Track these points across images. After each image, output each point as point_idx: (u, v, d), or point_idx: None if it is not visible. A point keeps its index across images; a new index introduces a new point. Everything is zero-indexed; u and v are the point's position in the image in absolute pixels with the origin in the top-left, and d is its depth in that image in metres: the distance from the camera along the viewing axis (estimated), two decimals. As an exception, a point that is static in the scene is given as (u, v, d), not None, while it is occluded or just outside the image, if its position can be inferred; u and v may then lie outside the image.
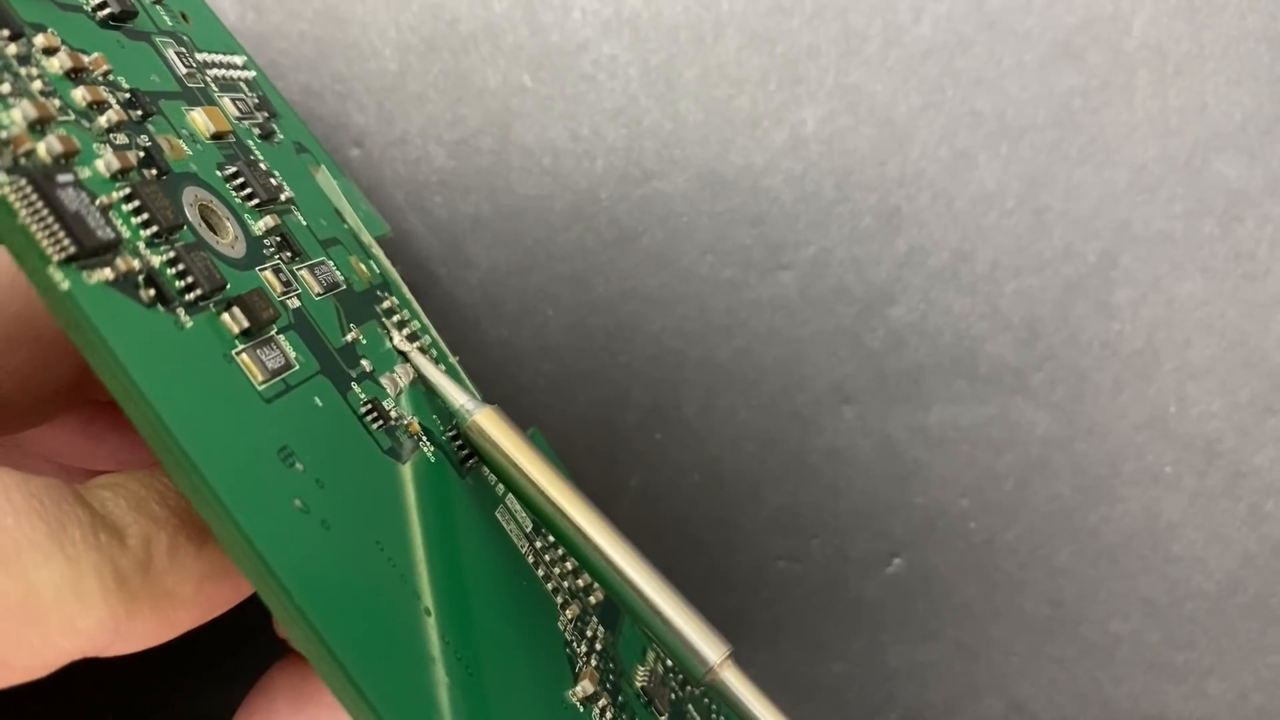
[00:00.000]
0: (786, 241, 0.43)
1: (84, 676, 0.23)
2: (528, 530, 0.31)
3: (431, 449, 0.27)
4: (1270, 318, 0.43)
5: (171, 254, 0.21)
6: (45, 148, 0.20)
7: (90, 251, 0.19)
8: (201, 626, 0.23)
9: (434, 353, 0.31)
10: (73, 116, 0.21)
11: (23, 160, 0.19)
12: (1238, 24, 0.41)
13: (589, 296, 0.44)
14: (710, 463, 0.45)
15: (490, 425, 0.28)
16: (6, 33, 0.21)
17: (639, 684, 0.33)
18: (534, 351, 0.44)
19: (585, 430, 0.45)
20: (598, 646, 0.31)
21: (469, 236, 0.44)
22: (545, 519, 0.28)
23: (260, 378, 0.22)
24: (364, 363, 0.27)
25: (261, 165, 0.28)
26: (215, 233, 0.24)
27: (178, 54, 0.28)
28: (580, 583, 0.33)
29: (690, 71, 0.43)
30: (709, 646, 0.27)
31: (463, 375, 0.31)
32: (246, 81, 0.31)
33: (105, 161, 0.21)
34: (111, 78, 0.24)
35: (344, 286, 0.28)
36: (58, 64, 0.22)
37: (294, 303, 0.25)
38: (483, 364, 0.44)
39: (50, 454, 0.30)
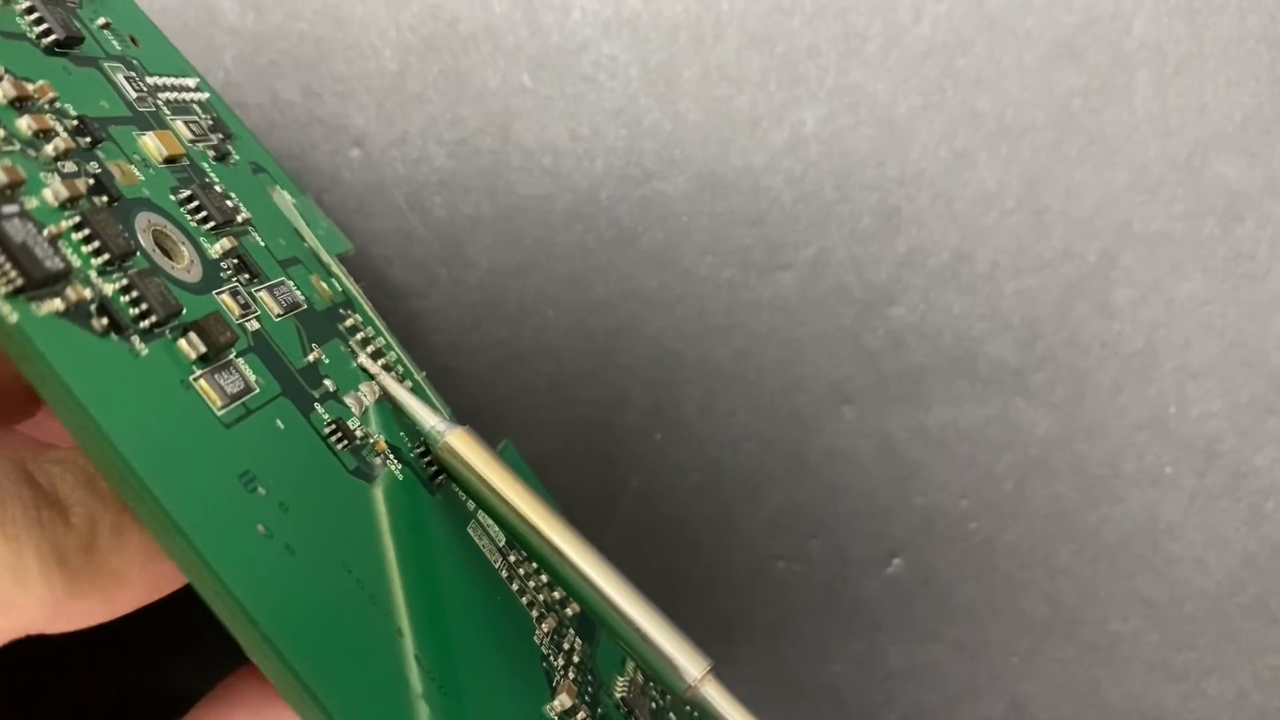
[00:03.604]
0: (786, 241, 0.43)
1: (46, 648, 0.23)
2: (500, 545, 0.31)
3: (399, 467, 0.27)
4: (1270, 318, 0.43)
5: (124, 281, 0.21)
6: (-12, 179, 0.20)
7: (38, 282, 0.19)
8: (176, 602, 0.23)
9: (400, 369, 0.31)
10: (18, 146, 0.21)
11: (-35, 194, 0.19)
12: (1238, 24, 0.41)
13: (589, 297, 0.44)
14: (710, 463, 0.45)
15: (462, 447, 0.28)
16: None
17: (619, 694, 0.33)
18: (534, 352, 0.44)
19: (585, 431, 0.45)
20: (575, 659, 0.31)
21: (469, 236, 0.44)
22: (522, 540, 0.28)
23: (219, 403, 0.22)
24: (327, 382, 0.27)
25: (217, 188, 0.28)
26: (170, 258, 0.24)
27: (127, 78, 0.28)
28: (556, 595, 0.32)
29: (690, 71, 0.42)
30: (689, 661, 0.27)
31: (429, 392, 0.31)
32: (200, 103, 0.31)
33: (53, 190, 0.21)
34: (58, 105, 0.24)
35: (305, 306, 0.28)
36: (1, 93, 0.22)
37: (253, 325, 0.25)
38: (483, 364, 0.45)
39: (49, 443, 0.30)
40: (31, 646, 0.21)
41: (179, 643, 0.31)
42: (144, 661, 0.40)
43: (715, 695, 0.27)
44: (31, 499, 0.21)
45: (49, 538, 0.20)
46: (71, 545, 0.21)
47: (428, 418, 0.28)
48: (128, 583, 0.22)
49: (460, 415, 0.29)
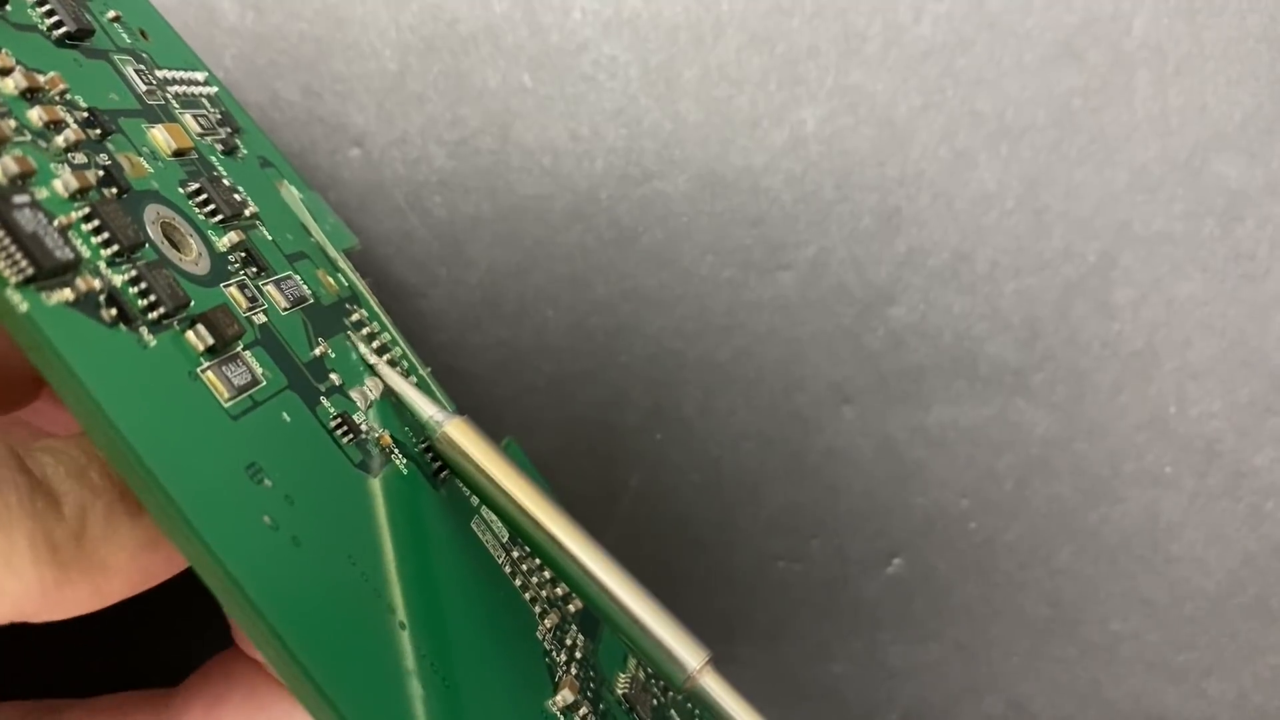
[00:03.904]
0: (786, 241, 0.43)
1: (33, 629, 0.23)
2: (504, 540, 0.31)
3: (404, 461, 0.27)
4: (1270, 318, 0.43)
5: (133, 273, 0.21)
6: (0, 170, 0.20)
7: (49, 272, 0.19)
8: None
9: (404, 365, 0.31)
10: (29, 137, 0.21)
11: (-23, 183, 0.19)
12: (1238, 24, 0.41)
13: (589, 297, 0.44)
14: (710, 463, 0.45)
15: (460, 436, 0.28)
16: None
17: (620, 691, 0.33)
18: (534, 352, 0.44)
19: (585, 430, 0.45)
20: (577, 655, 0.31)
21: (469, 236, 0.44)
22: (517, 528, 0.28)
23: (226, 395, 0.22)
24: (333, 376, 0.27)
25: (225, 181, 0.28)
26: (179, 250, 0.24)
27: (137, 71, 0.28)
28: (559, 591, 0.33)
29: (690, 71, 0.43)
30: (688, 652, 0.27)
31: (434, 387, 0.31)
32: (208, 97, 0.31)
33: (63, 181, 0.21)
34: (69, 97, 0.24)
35: (311, 300, 0.28)
36: (12, 84, 0.22)
37: (260, 318, 0.25)
38: (483, 364, 0.45)
39: (46, 429, 0.30)
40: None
41: (179, 612, 0.31)
42: (142, 632, 0.40)
43: (714, 686, 0.27)
44: (27, 487, 0.21)
45: (42, 527, 0.21)
46: (63, 535, 0.21)
47: (426, 407, 0.28)
48: (116, 574, 0.22)
49: (460, 414, 0.29)
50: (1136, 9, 0.41)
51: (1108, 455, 0.44)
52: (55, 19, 0.25)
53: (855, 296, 0.43)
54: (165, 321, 0.22)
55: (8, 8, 0.24)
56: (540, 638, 0.30)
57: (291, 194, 0.32)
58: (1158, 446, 0.44)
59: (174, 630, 0.36)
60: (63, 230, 0.20)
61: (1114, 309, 0.43)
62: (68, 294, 0.20)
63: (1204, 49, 0.41)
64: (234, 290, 0.25)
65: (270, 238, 0.29)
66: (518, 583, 0.31)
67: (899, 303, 0.43)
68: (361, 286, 0.31)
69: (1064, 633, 0.46)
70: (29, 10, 0.25)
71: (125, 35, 0.29)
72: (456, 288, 0.44)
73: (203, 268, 0.25)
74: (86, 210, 0.21)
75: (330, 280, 0.30)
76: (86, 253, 0.21)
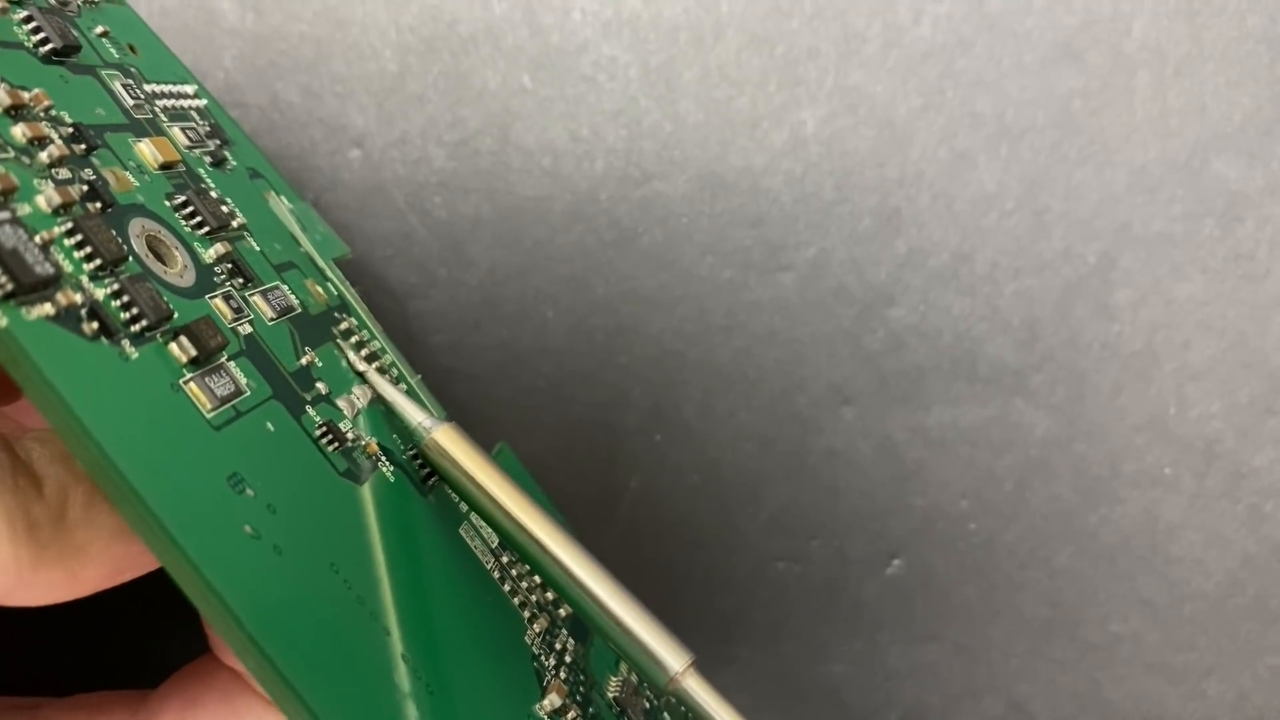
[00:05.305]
0: (786, 242, 0.43)
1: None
2: (493, 546, 0.31)
3: (391, 469, 0.27)
4: (1270, 318, 0.43)
5: (116, 286, 0.22)
6: (-19, 188, 0.20)
7: (28, 288, 0.19)
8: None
9: (394, 372, 0.31)
10: (12, 154, 0.21)
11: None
12: (1237, 25, 0.41)
13: (589, 297, 0.44)
14: (710, 464, 0.45)
15: (447, 442, 0.28)
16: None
17: (611, 694, 0.33)
18: (534, 352, 0.44)
19: (585, 431, 0.45)
20: (567, 659, 0.31)
21: (469, 237, 0.44)
22: (503, 533, 0.28)
23: (209, 405, 0.22)
24: (319, 385, 0.27)
25: (212, 193, 0.28)
26: (164, 263, 0.24)
27: (125, 86, 0.28)
28: (549, 596, 0.33)
29: (690, 72, 0.43)
30: (670, 655, 0.27)
31: (423, 395, 0.31)
32: (198, 110, 0.31)
33: (46, 197, 0.21)
34: (54, 113, 0.24)
35: (299, 310, 0.28)
36: (-4, 103, 0.22)
37: (245, 329, 0.26)
38: (482, 365, 0.45)
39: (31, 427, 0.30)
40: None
41: (159, 613, 0.31)
42: (122, 632, 0.40)
43: (696, 689, 0.27)
44: (9, 465, 0.21)
45: (21, 504, 0.21)
46: (42, 514, 0.21)
47: (414, 414, 0.29)
48: (92, 560, 0.22)
49: (460, 416, 0.29)
50: (1136, 10, 0.41)
51: (1107, 456, 0.44)
52: (41, 36, 0.25)
53: (855, 297, 0.43)
54: (148, 334, 0.22)
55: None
56: (529, 642, 0.30)
57: (281, 204, 0.32)
58: (1157, 447, 0.44)
59: (154, 631, 0.36)
60: (44, 245, 0.20)
61: (1114, 310, 0.43)
62: (48, 308, 0.20)
63: (1203, 50, 0.41)
64: (219, 301, 0.25)
65: (258, 248, 0.29)
66: (507, 588, 0.31)
67: (899, 303, 0.43)
68: (351, 295, 0.31)
69: (1064, 633, 0.46)
70: (15, 28, 0.25)
71: (113, 50, 0.29)
72: (456, 288, 0.44)
73: (188, 280, 0.25)
74: (69, 225, 0.21)
75: (319, 289, 0.30)
76: (68, 267, 0.21)
